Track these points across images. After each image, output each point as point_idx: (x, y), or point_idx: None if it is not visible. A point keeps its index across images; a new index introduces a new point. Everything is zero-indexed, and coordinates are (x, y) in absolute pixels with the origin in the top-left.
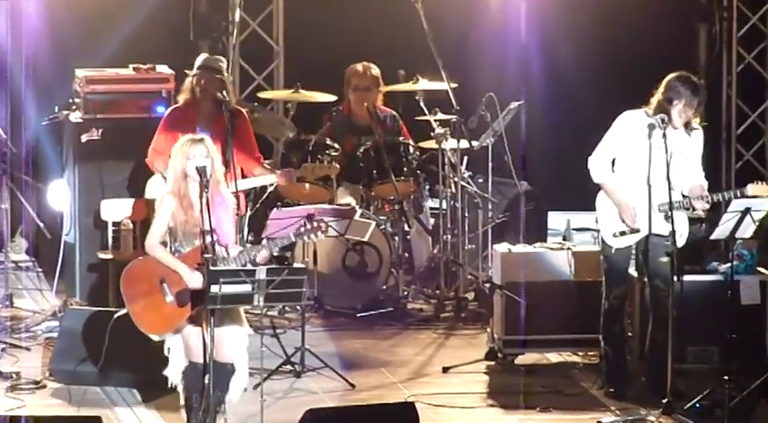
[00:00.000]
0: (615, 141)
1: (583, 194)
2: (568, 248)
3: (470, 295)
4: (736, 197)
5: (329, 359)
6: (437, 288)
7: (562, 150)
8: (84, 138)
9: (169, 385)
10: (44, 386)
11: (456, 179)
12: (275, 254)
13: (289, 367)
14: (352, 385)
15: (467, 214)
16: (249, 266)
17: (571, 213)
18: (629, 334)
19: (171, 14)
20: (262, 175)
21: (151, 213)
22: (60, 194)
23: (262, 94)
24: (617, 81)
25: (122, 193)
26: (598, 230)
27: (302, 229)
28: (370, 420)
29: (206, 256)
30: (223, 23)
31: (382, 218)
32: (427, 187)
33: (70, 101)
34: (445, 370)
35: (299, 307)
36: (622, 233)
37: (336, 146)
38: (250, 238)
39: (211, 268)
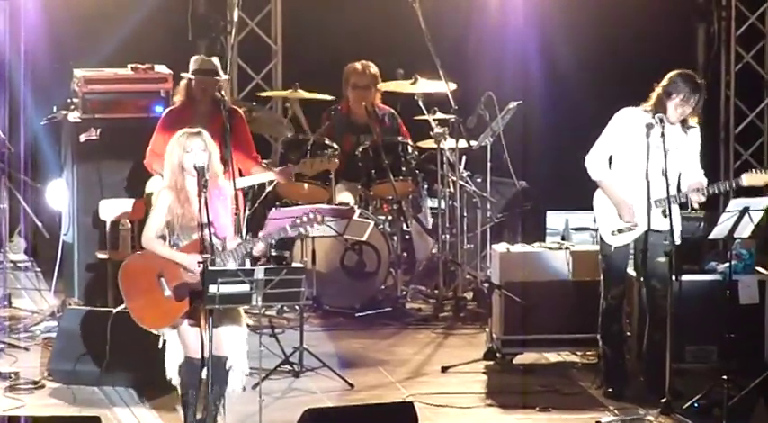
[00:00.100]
0: (612, 139)
1: (581, 194)
2: (567, 248)
3: (469, 295)
4: (731, 187)
5: (328, 359)
6: (436, 288)
7: (561, 150)
8: (82, 137)
9: (167, 377)
10: (43, 386)
11: (455, 179)
12: (272, 252)
13: (287, 367)
14: (351, 385)
15: (465, 214)
16: (246, 259)
17: (569, 213)
18: (628, 333)
19: (169, 14)
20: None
21: (149, 209)
22: (59, 194)
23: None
24: (616, 80)
25: (121, 192)
26: (596, 230)
27: (298, 220)
28: (369, 420)
29: (204, 255)
30: (221, 23)
31: (381, 217)
32: (426, 187)
33: (68, 101)
34: (444, 369)
35: (297, 307)
36: (621, 231)
37: (335, 145)
38: (248, 238)
39: (210, 268)
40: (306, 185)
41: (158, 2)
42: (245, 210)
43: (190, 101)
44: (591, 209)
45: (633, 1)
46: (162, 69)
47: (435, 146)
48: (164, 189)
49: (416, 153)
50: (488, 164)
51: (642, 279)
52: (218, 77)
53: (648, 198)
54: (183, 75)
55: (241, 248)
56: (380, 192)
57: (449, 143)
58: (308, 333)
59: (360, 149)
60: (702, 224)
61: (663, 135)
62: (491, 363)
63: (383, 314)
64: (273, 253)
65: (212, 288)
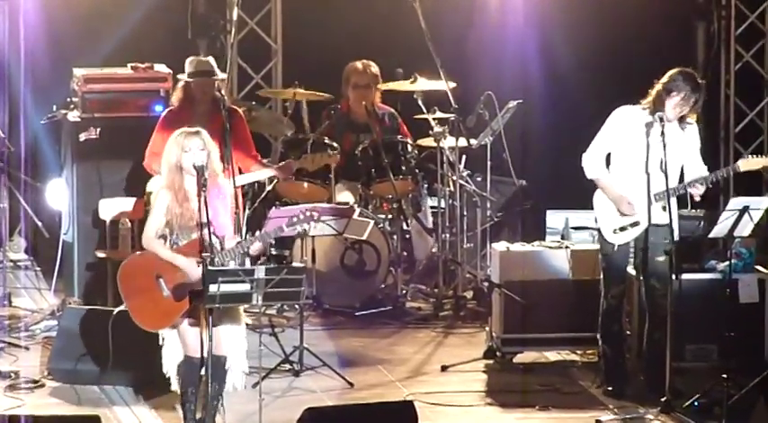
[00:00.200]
0: (609, 137)
1: (581, 193)
2: (567, 247)
3: (469, 294)
4: (728, 174)
5: (328, 358)
6: (436, 287)
7: (560, 149)
8: (82, 137)
9: (164, 373)
10: (43, 385)
11: (454, 178)
12: (272, 251)
13: (287, 366)
14: (351, 384)
15: (465, 213)
16: (246, 259)
17: (569, 212)
18: (628, 332)
19: (169, 13)
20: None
21: (148, 208)
22: (59, 193)
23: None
24: (615, 79)
25: (121, 192)
26: (597, 229)
27: (294, 219)
28: (369, 419)
29: (204, 255)
30: (221, 22)
31: (381, 216)
32: (426, 186)
33: (68, 100)
34: (444, 368)
35: (297, 306)
36: (622, 228)
37: (335, 144)
38: (248, 237)
39: (210, 268)
40: (306, 184)
41: (158, 1)
42: (244, 209)
43: (188, 102)
44: (591, 208)
45: (633, 0)
46: (162, 68)
47: (435, 145)
48: (162, 189)
49: (416, 152)
50: (488, 163)
51: (642, 278)
52: (215, 77)
53: (648, 194)
54: (179, 77)
55: (239, 248)
56: (380, 191)
57: (449, 142)
58: (308, 332)
59: (359, 148)
60: (702, 223)
61: (663, 134)
62: (491, 362)
63: (383, 313)
64: (273, 252)
65: (213, 287)
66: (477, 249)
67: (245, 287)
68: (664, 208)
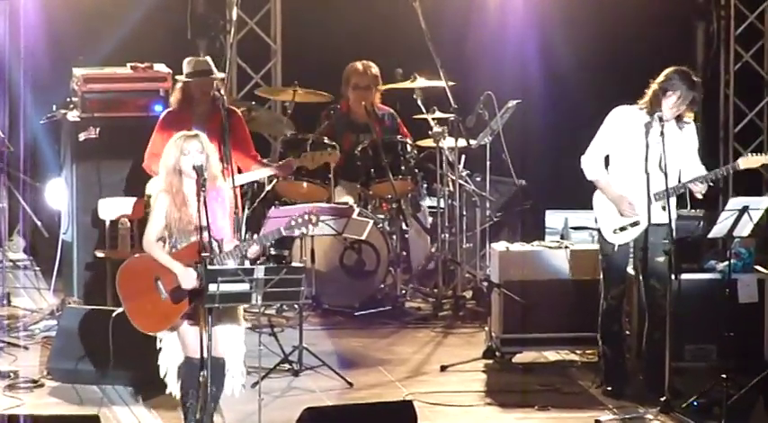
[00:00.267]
0: (608, 137)
1: (580, 193)
2: (566, 247)
3: (468, 294)
4: (728, 172)
5: (327, 358)
6: (435, 287)
7: (560, 149)
8: (81, 136)
9: (162, 375)
10: (42, 385)
11: (454, 178)
12: (272, 251)
13: (287, 366)
14: (350, 384)
15: (465, 213)
16: (245, 261)
17: (569, 212)
18: (627, 332)
19: (169, 13)
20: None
21: (148, 211)
22: (58, 193)
23: (259, 92)
24: (615, 79)
25: (120, 191)
26: (597, 229)
27: (293, 222)
28: (368, 419)
29: (203, 255)
30: (221, 22)
31: (380, 216)
32: (425, 186)
33: (68, 100)
34: (443, 368)
35: (296, 306)
36: (622, 229)
37: (334, 144)
38: (247, 237)
39: (209, 267)
40: (305, 184)
41: (158, 1)
42: (243, 209)
43: (187, 102)
44: (590, 208)
45: (632, 0)
46: (161, 68)
47: (434, 145)
48: (161, 193)
49: (416, 152)
50: (488, 163)
51: (642, 278)
52: (213, 76)
53: (648, 193)
54: (178, 78)
55: (237, 251)
56: (380, 191)
57: (448, 142)
58: (308, 332)
59: (359, 148)
60: (702, 223)
61: (662, 134)
62: (490, 361)
63: (382, 313)
64: (273, 252)
65: (212, 287)
66: (476, 249)
67: (244, 287)
68: (663, 208)
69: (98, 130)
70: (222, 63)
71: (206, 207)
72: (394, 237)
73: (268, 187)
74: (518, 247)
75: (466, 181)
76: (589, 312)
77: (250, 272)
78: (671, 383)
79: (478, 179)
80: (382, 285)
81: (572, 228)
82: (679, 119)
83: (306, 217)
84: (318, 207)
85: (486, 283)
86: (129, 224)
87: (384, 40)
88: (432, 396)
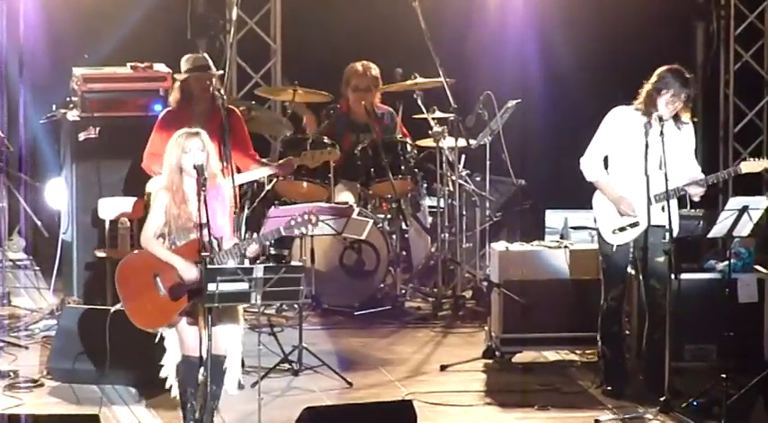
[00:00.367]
0: (606, 138)
1: (580, 193)
2: (566, 247)
3: (468, 293)
4: (730, 176)
5: (327, 357)
6: (435, 286)
7: (560, 149)
8: (81, 136)
9: (162, 373)
10: (42, 384)
11: (454, 177)
12: (271, 250)
13: (286, 365)
14: (350, 383)
15: (464, 213)
16: (245, 260)
17: (568, 212)
18: (627, 332)
19: (168, 13)
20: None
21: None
22: (58, 193)
23: (259, 92)
24: (615, 79)
25: (120, 191)
26: (596, 229)
27: (293, 221)
28: (368, 418)
29: (203, 254)
30: (220, 22)
31: (380, 216)
32: (425, 185)
33: (68, 99)
34: (443, 368)
35: (296, 305)
36: (622, 229)
37: (334, 143)
38: (247, 236)
39: (209, 267)
40: (305, 184)
41: (158, 1)
42: (242, 209)
43: (186, 101)
44: (590, 207)
45: (632, 0)
46: (161, 68)
47: (434, 145)
48: (161, 190)
49: (415, 152)
50: (487, 162)
51: (642, 278)
52: (211, 71)
53: (648, 194)
54: (176, 76)
55: (237, 249)
56: (379, 190)
57: (448, 142)
58: (307, 331)
59: (359, 148)
60: (701, 223)
61: (662, 134)
62: (490, 361)
63: (382, 313)
64: (272, 251)
65: (211, 286)
66: (476, 249)
67: (243, 286)
68: (663, 208)
69: (98, 129)
70: (222, 63)
71: (206, 205)
72: (394, 236)
73: (268, 187)
74: (518, 246)
75: (466, 181)
76: (589, 312)
77: (249, 271)
78: (671, 383)
79: (478, 179)
80: (382, 285)
81: (572, 227)
82: (677, 118)
83: (305, 216)
84: (318, 207)
85: (485, 283)
86: (128, 224)
87: (384, 40)
88: (431, 396)
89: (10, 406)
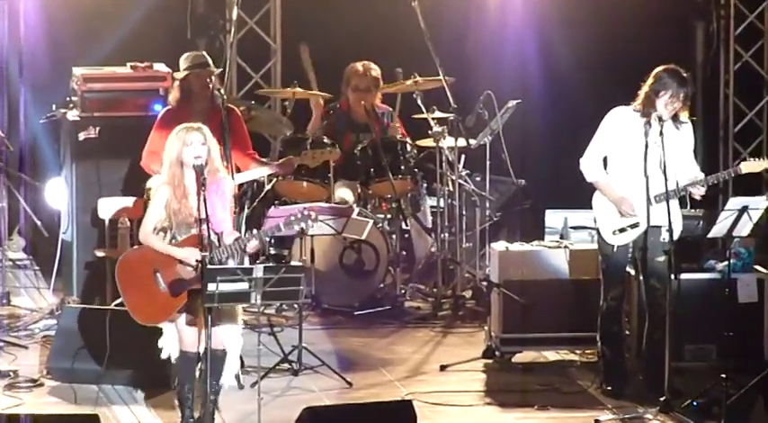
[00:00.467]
0: (605, 139)
1: (580, 193)
2: (566, 247)
3: (468, 293)
4: (730, 176)
5: (326, 357)
6: (435, 286)
7: (560, 149)
8: (81, 136)
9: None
10: (42, 384)
11: (453, 177)
12: (271, 250)
13: (286, 365)
14: (350, 383)
15: (464, 212)
16: (245, 257)
17: (568, 211)
18: (627, 332)
19: (168, 13)
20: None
21: (147, 203)
22: (58, 192)
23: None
24: (614, 79)
25: (120, 191)
26: (596, 229)
27: (292, 217)
28: (368, 418)
29: (203, 254)
30: (220, 22)
31: (380, 216)
32: (425, 185)
33: (67, 99)
34: (443, 368)
35: (296, 305)
36: (622, 230)
37: (334, 143)
38: (246, 234)
39: (208, 267)
40: (305, 184)
41: (158, 1)
42: (242, 209)
43: (186, 100)
44: (590, 207)
45: (632, 0)
46: (161, 68)
47: (434, 144)
48: (162, 184)
49: (415, 152)
50: (487, 162)
51: (642, 278)
52: (210, 68)
53: (648, 194)
54: (176, 75)
55: (237, 244)
56: (379, 190)
57: (448, 142)
58: (307, 331)
59: (359, 148)
60: (701, 223)
61: (662, 134)
62: (490, 361)
63: (382, 313)
64: (272, 251)
65: (211, 286)
66: (476, 249)
67: (243, 286)
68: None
69: (98, 129)
70: (222, 62)
71: (206, 202)
72: (393, 236)
73: (268, 187)
74: (518, 246)
75: (465, 180)
76: (588, 312)
77: (249, 271)
78: (670, 383)
79: (478, 179)
80: (382, 285)
81: (571, 227)
82: (676, 118)
83: (306, 212)
84: (318, 206)
85: (485, 283)
86: (128, 223)
87: (384, 40)
88: (431, 396)
89: (10, 406)
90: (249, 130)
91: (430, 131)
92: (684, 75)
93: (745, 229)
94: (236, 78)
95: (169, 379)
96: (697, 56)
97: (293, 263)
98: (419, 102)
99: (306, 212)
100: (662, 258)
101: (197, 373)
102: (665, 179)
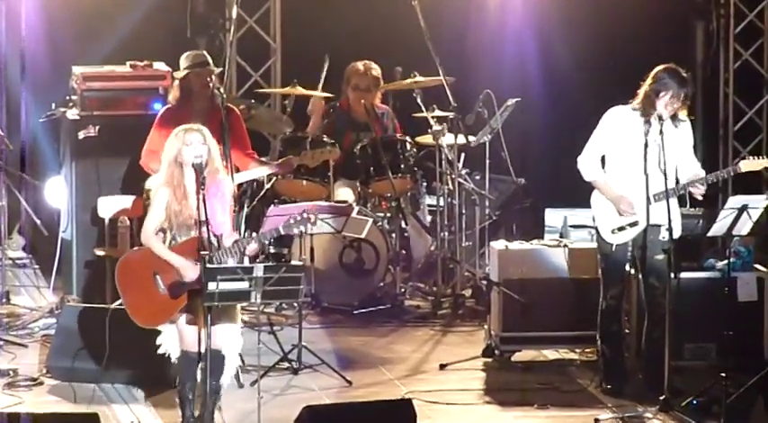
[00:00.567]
0: (603, 138)
1: (580, 191)
2: (565, 245)
3: (467, 292)
4: (729, 175)
5: (326, 356)
6: (434, 285)
7: (559, 147)
8: (81, 135)
9: (165, 355)
10: (41, 383)
11: (453, 176)
12: (271, 249)
13: (286, 364)
14: (349, 382)
15: (464, 211)
16: (244, 258)
17: (568, 210)
18: (627, 331)
19: (168, 12)
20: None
21: (147, 204)
22: (57, 191)
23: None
24: (614, 78)
25: (119, 189)
26: (595, 228)
27: (292, 220)
28: (367, 417)
29: (203, 253)
30: (220, 21)
31: (379, 215)
32: (424, 184)
33: (67, 98)
34: (442, 367)
35: (296, 304)
36: (621, 229)
37: (334, 142)
38: (246, 235)
39: (208, 266)
40: (304, 182)
41: (158, 0)
42: (242, 208)
43: (186, 99)
44: (589, 206)
45: (632, 0)
46: (160, 66)
47: (434, 143)
48: (161, 186)
49: (415, 150)
50: (487, 161)
51: (641, 276)
52: (211, 67)
53: (647, 193)
54: (176, 74)
55: (237, 246)
56: (379, 189)
57: (447, 140)
58: (307, 330)
59: (358, 147)
60: (701, 221)
61: (662, 132)
62: (489, 360)
63: (382, 311)
64: (272, 250)
65: (211, 285)
66: (475, 248)
67: (243, 285)
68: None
69: (97, 128)
70: (222, 61)
71: (205, 203)
72: (393, 235)
73: (267, 185)
74: (517, 245)
75: (465, 179)
76: (588, 311)
77: (249, 270)
78: (670, 382)
79: (478, 177)
80: (381, 284)
81: (571, 226)
82: (674, 117)
83: (305, 215)
84: (317, 205)
85: (485, 282)
86: (128, 222)
87: (384, 39)
88: (431, 394)
89: (9, 404)
90: (249, 129)
91: (430, 130)
92: (684, 74)
93: (744, 227)
94: (236, 77)
95: (169, 378)
96: (697, 55)
97: (293, 262)
98: (419, 100)
99: (305, 215)
100: (661, 256)
101: (198, 373)
102: (665, 178)
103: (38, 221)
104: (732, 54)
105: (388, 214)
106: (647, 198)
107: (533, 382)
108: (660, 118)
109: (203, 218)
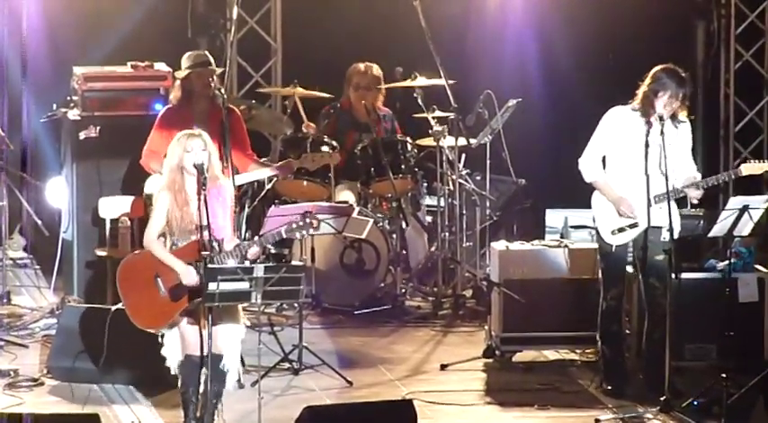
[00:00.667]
0: (604, 139)
1: (580, 192)
2: (566, 246)
3: (468, 293)
4: (730, 178)
5: (327, 356)
6: (435, 285)
7: (560, 148)
8: (82, 135)
9: (171, 372)
10: (42, 383)
11: (454, 177)
12: (272, 250)
13: (286, 365)
14: (350, 382)
15: (464, 212)
16: (245, 261)
17: (568, 211)
18: (627, 332)
19: (169, 12)
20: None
21: (149, 210)
22: (58, 192)
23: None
24: (614, 79)
25: (120, 190)
26: (595, 229)
27: (294, 225)
28: (368, 418)
29: (203, 253)
30: (221, 21)
31: (380, 215)
32: (425, 185)
33: (68, 98)
34: (443, 367)
35: (296, 304)
36: (621, 229)
37: (334, 143)
38: (247, 235)
39: (209, 266)
40: (305, 183)
41: (158, 0)
42: (243, 208)
43: (187, 99)
44: (590, 207)
45: (632, 0)
46: (161, 67)
47: (435, 144)
48: (163, 190)
49: (415, 151)
50: (487, 162)
51: (641, 277)
52: (212, 67)
53: (648, 194)
54: (177, 74)
55: (238, 250)
56: (380, 189)
57: (448, 141)
58: (308, 331)
59: (359, 147)
60: (702, 222)
61: (663, 133)
62: (490, 360)
63: (382, 312)
64: (273, 251)
65: (212, 285)
66: (476, 248)
67: (244, 286)
68: (661, 207)
69: (98, 128)
70: (222, 62)
71: (206, 206)
72: (394, 235)
73: (268, 186)
74: (518, 246)
75: (466, 180)
76: (589, 311)
77: (250, 271)
78: (671, 383)
79: (478, 178)
80: (382, 284)
81: (572, 226)
82: (674, 117)
83: (307, 220)
84: (318, 206)
85: (485, 282)
86: (129, 223)
87: (384, 39)
88: (431, 395)
89: (10, 405)
90: (249, 130)
91: (430, 131)
92: (683, 74)
93: (745, 228)
94: (237, 77)
95: (170, 378)
96: (697, 55)
97: (294, 262)
98: (419, 101)
99: (308, 220)
100: (661, 257)
101: (201, 377)
102: (666, 179)
103: (39, 222)
104: (733, 55)
105: (389, 215)
106: (648, 200)
107: (534, 383)
108: (661, 118)
109: (204, 220)
